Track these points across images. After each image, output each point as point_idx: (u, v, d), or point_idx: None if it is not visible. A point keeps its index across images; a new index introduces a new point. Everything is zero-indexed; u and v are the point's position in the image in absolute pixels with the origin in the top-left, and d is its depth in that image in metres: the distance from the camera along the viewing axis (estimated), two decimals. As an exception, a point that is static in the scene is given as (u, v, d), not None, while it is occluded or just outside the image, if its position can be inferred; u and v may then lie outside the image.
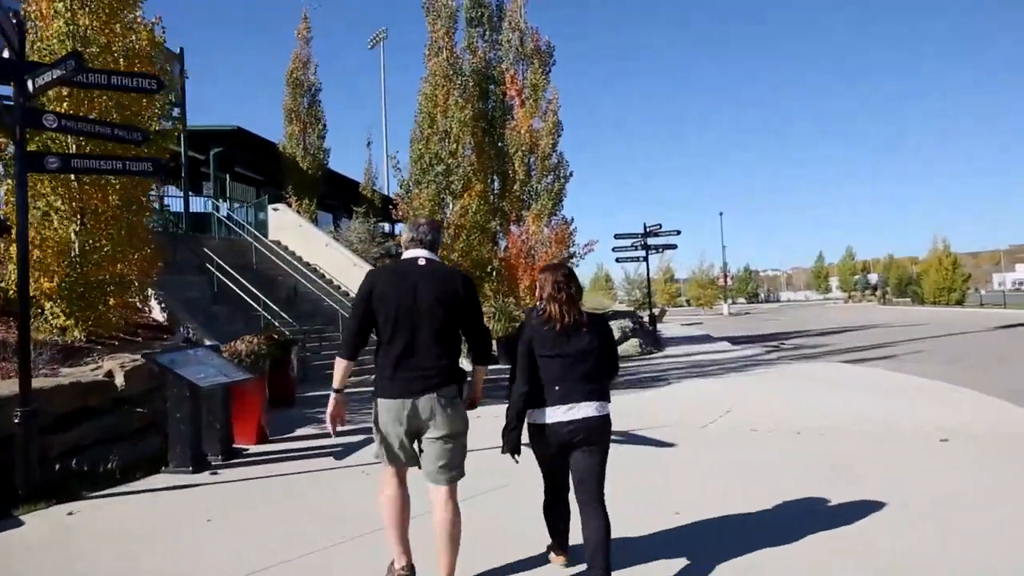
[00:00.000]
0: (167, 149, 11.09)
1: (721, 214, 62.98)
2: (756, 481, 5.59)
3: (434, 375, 3.37)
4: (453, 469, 3.44)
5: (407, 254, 3.61)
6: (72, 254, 9.38)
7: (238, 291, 14.96)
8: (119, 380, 6.93)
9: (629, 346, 18.66)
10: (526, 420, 3.54)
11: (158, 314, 12.50)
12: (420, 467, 3.47)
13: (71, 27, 9.58)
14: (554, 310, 3.52)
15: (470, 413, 3.63)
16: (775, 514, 4.77)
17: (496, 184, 20.87)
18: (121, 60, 10.00)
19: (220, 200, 25.09)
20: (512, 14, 21.08)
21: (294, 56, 26.28)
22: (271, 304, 14.01)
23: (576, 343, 3.49)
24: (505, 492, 5.38)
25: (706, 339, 24.38)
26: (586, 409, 3.46)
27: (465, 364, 3.66)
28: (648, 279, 25.22)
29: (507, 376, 3.69)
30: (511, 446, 3.50)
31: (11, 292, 9.25)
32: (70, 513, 5.18)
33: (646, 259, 22.34)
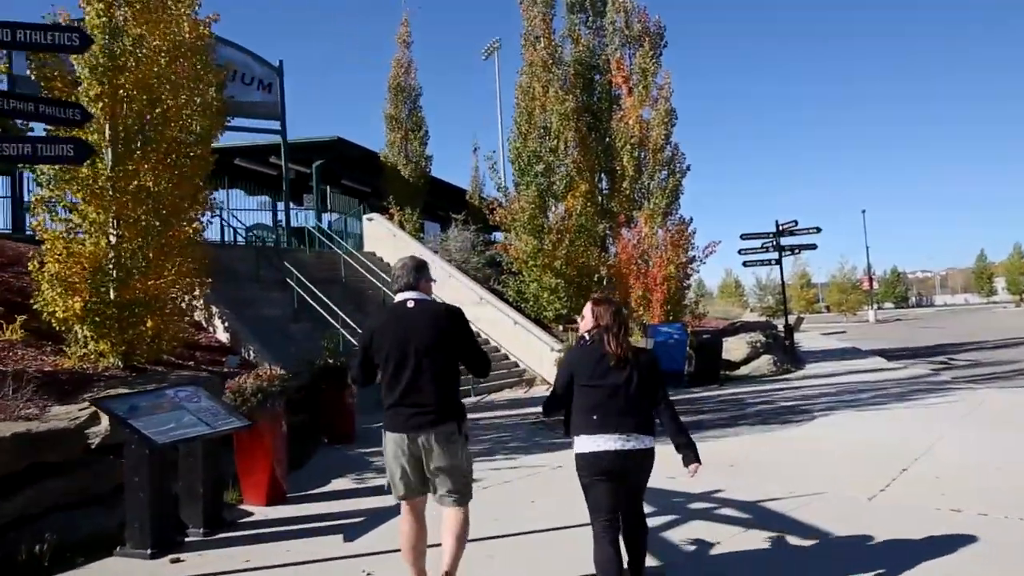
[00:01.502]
0: (212, 151, 9.91)
1: (864, 211, 57.32)
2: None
3: (431, 412, 3.57)
4: (457, 494, 3.63)
5: (397, 297, 3.79)
6: (107, 268, 8.32)
7: (319, 308, 13.80)
8: (101, 426, 5.57)
9: (762, 364, 16.01)
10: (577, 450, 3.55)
11: (222, 334, 11.46)
12: (430, 493, 3.69)
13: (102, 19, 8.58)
14: (610, 341, 3.56)
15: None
16: None
17: (604, 183, 18.85)
18: (162, 57, 8.95)
19: (324, 212, 24.71)
20: (618, -6, 18.99)
21: (395, 61, 25.48)
22: (349, 321, 12.72)
23: (616, 376, 3.52)
24: None
25: (854, 353, 21.05)
26: (622, 442, 3.46)
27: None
28: (783, 284, 22.21)
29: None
30: (546, 411, 3.90)
31: (44, 315, 8.32)
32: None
33: (779, 262, 19.48)
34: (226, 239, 19.59)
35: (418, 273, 3.79)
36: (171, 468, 4.87)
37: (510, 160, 17.79)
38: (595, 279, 17.37)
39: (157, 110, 8.92)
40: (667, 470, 6.62)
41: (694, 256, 17.17)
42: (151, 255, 8.63)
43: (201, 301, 11.95)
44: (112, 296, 8.24)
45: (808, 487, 5.86)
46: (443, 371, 3.63)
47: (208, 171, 10.31)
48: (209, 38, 9.99)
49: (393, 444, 3.61)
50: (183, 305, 9.57)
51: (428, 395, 3.56)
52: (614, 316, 3.62)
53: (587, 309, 3.76)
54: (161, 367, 9.20)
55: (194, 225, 9.61)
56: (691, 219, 17.41)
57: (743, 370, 15.95)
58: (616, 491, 3.50)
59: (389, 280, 15.47)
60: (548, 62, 17.59)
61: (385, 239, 20.08)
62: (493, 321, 17.01)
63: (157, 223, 8.65)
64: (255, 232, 23.41)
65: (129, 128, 8.70)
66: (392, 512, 5.53)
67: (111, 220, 8.52)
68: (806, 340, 26.62)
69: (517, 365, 16.25)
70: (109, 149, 8.63)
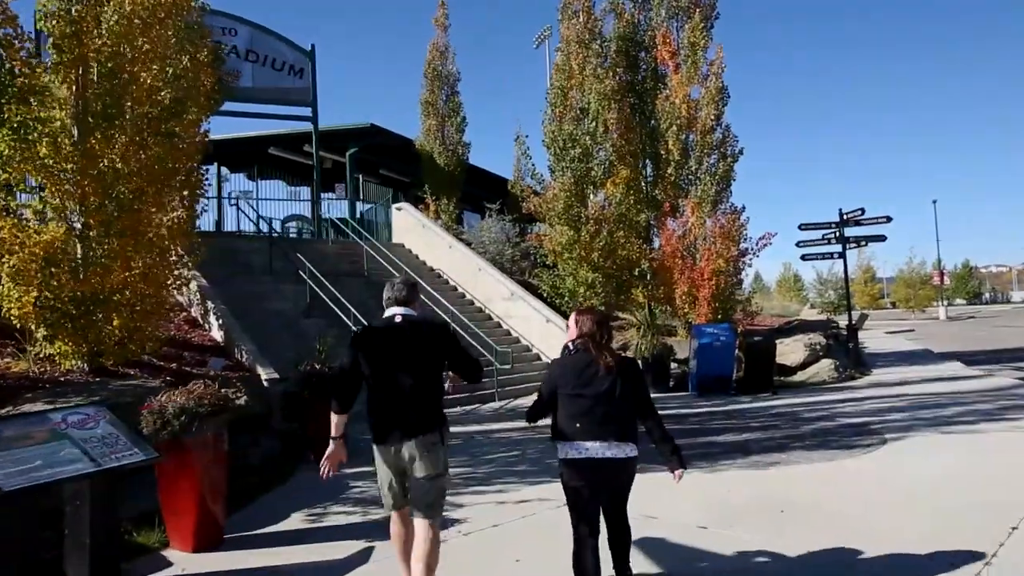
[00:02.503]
0: (204, 134, 8.94)
1: (935, 202, 53.89)
2: None
3: (414, 423, 3.65)
4: (432, 507, 3.69)
5: (386, 313, 3.89)
6: (58, 259, 7.38)
7: (332, 303, 12.81)
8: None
9: (822, 370, 14.32)
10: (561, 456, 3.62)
11: (216, 332, 10.53)
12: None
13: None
14: (592, 349, 3.63)
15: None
16: None
17: (648, 170, 17.35)
18: (135, 22, 7.97)
19: (358, 202, 23.86)
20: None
21: (431, 46, 24.41)
22: (361, 317, 11.67)
23: (600, 384, 3.56)
24: None
25: (926, 356, 19.05)
26: (605, 449, 3.52)
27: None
28: (846, 279, 20.29)
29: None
30: (529, 417, 3.85)
31: (3, 311, 7.45)
32: None
33: (843, 255, 17.65)
34: (243, 229, 18.86)
35: (409, 292, 3.91)
36: (28, 518, 3.80)
37: (544, 145, 16.45)
38: (636, 273, 15.94)
39: (129, 83, 7.96)
40: (697, 517, 5.41)
41: (746, 249, 15.56)
42: (116, 245, 7.67)
43: (197, 296, 11.09)
44: (67, 290, 7.30)
45: (885, 545, 4.46)
46: (427, 384, 3.72)
47: (198, 154, 9.37)
48: (193, 3, 9.01)
49: (380, 456, 3.75)
50: (164, 301, 8.56)
51: (413, 407, 3.66)
52: (597, 325, 3.73)
53: (571, 319, 3.86)
54: (135, 370, 8.29)
55: (174, 214, 8.65)
56: (743, 208, 15.81)
57: (799, 376, 14.29)
58: (598, 497, 3.64)
59: (414, 273, 14.36)
60: (586, 38, 16.17)
61: (414, 230, 19.02)
62: (524, 318, 15.78)
63: (116, 210, 7.66)
64: (292, 223, 22.74)
65: (95, 102, 7.76)
66: (353, 563, 4.40)
67: (73, 205, 7.60)
68: (871, 340, 24.53)
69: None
70: (74, 126, 7.71)
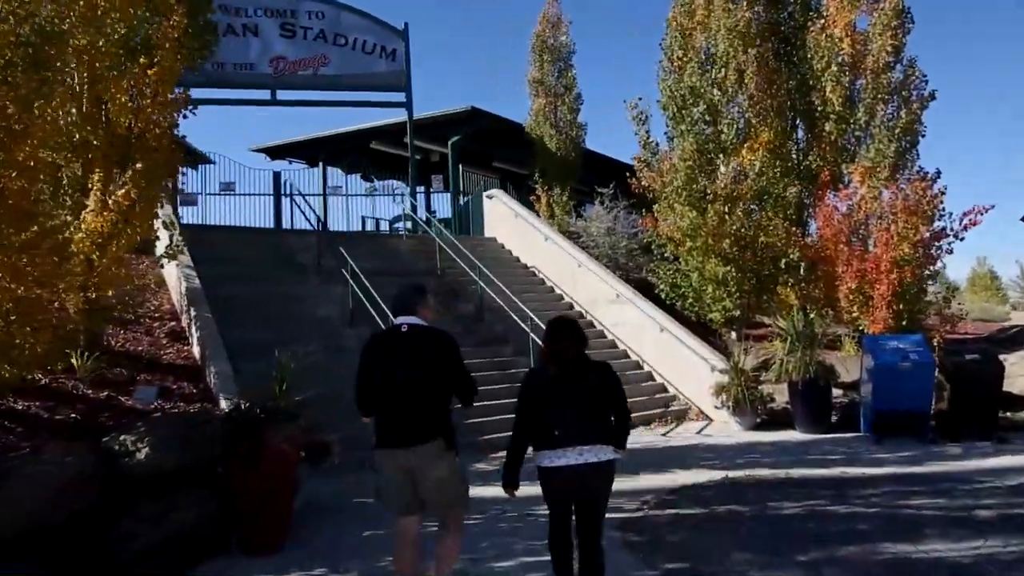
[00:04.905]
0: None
1: None
2: None
3: (415, 431, 3.72)
4: (448, 503, 3.85)
5: (395, 321, 4.00)
6: None
7: (375, 309, 10.17)
8: None
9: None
10: (537, 464, 3.75)
11: (196, 347, 8.13)
12: (423, 509, 3.87)
13: None
14: (558, 358, 3.76)
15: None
16: None
17: (799, 131, 13.33)
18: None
19: (462, 196, 21.46)
20: None
21: (541, 17, 21.50)
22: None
23: (574, 391, 3.71)
24: None
25: None
26: (581, 455, 3.61)
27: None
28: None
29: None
30: (507, 482, 3.85)
31: None
32: None
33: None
34: (296, 224, 16.76)
35: (416, 299, 3.98)
36: None
37: (660, 106, 12.97)
38: (783, 265, 12.01)
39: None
40: None
41: (942, 229, 11.21)
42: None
43: (185, 301, 8.79)
44: None
45: None
46: (432, 393, 3.80)
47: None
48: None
49: (386, 459, 3.81)
50: (48, 306, 6.14)
51: (417, 415, 3.74)
52: (564, 333, 3.83)
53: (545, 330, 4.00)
54: (18, 400, 5.94)
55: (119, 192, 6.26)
56: (937, 173, 11.47)
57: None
58: (571, 503, 3.75)
59: (503, 270, 11.36)
60: (711, -37, 12.53)
61: (506, 220, 16.13)
62: (634, 326, 12.40)
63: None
64: (399, 224, 20.76)
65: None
66: None
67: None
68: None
69: (665, 389, 11.50)
70: None
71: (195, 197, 18.40)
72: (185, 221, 16.87)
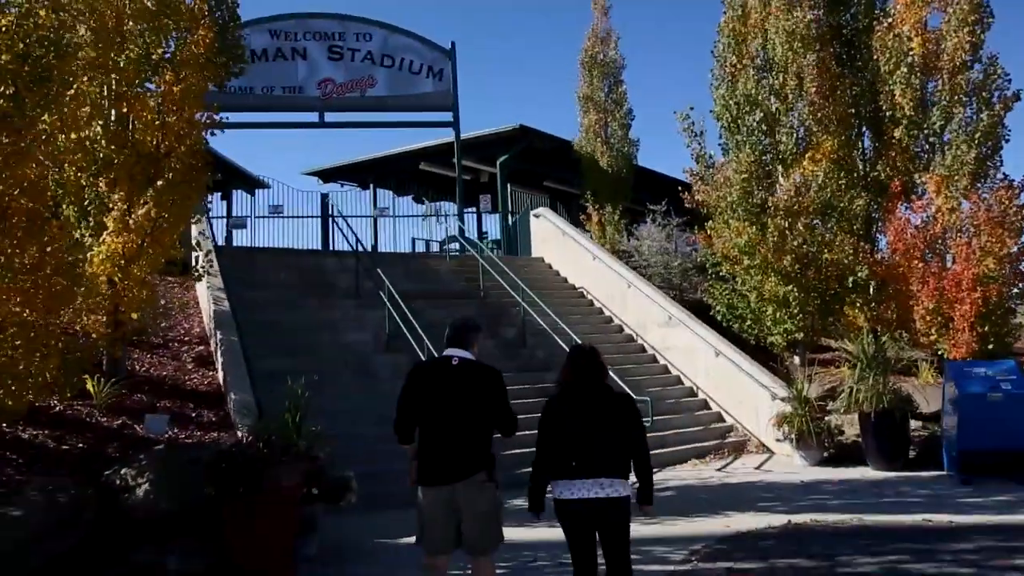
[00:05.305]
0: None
1: None
2: None
3: (465, 463, 3.74)
4: (486, 543, 3.82)
5: (445, 352, 3.99)
6: None
7: (417, 334, 9.69)
8: None
9: None
10: (553, 496, 3.69)
11: (221, 372, 7.78)
12: (460, 546, 3.83)
13: None
14: (577, 388, 3.73)
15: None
16: None
17: (865, 140, 12.39)
18: None
19: (511, 216, 21.00)
20: None
21: (590, 32, 21.04)
22: (435, 352, 8.42)
23: (592, 422, 3.63)
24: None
25: None
26: (596, 489, 3.56)
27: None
28: None
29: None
30: (532, 507, 3.78)
31: None
32: None
33: None
34: (339, 246, 16.38)
35: (470, 335, 4.03)
36: None
37: (714, 116, 12.26)
38: (850, 284, 11.06)
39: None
40: None
41: (1032, 240, 10.13)
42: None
43: (212, 324, 8.49)
44: None
45: None
46: (476, 426, 3.82)
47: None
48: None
49: (429, 495, 3.78)
50: (54, 331, 5.81)
51: (462, 448, 3.76)
52: (583, 362, 3.76)
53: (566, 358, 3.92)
54: (25, 429, 5.64)
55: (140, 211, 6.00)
56: (1024, 181, 10.41)
57: None
58: (593, 537, 3.64)
59: (549, 291, 10.44)
60: (767, -37, 11.81)
61: (552, 239, 15.57)
62: (687, 350, 11.61)
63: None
64: (454, 244, 20.44)
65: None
66: None
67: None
68: None
69: (721, 419, 10.66)
70: None
71: (245, 220, 18.45)
72: (236, 243, 16.98)
